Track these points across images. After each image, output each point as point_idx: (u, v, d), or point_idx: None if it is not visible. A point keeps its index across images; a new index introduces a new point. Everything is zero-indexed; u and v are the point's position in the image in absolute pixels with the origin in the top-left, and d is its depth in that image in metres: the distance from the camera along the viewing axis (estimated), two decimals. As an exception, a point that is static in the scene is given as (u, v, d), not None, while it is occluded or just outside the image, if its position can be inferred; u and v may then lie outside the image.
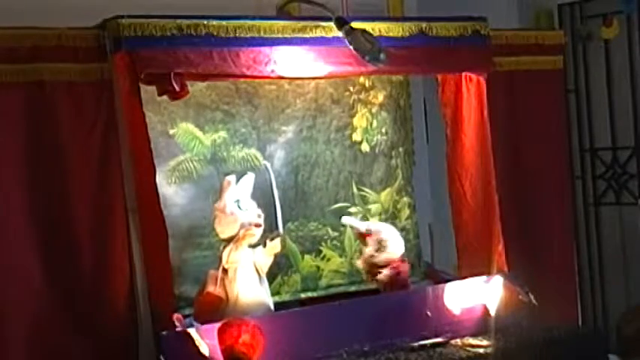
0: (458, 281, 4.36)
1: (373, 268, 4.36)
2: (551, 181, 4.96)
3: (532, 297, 4.32)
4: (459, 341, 4.15)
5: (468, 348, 4.08)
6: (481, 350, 4.07)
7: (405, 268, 4.38)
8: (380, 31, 4.17)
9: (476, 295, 4.31)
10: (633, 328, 3.42)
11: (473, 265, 4.50)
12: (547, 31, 5.30)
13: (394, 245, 4.36)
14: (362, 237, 4.42)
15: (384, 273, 4.32)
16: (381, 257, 4.33)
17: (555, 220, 4.97)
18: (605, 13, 5.50)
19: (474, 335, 4.21)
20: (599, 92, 5.66)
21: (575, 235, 5.52)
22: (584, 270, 5.71)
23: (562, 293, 4.89)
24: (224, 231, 4.04)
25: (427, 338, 4.10)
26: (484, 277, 4.37)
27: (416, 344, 4.05)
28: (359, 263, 4.46)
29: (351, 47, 3.97)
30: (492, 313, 4.26)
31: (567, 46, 5.46)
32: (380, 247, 4.34)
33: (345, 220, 4.51)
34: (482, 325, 4.25)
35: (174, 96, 3.79)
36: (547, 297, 4.39)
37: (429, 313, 4.19)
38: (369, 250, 4.36)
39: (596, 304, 5.74)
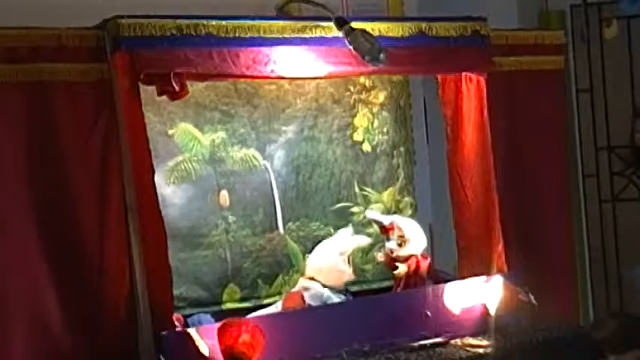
0: (458, 281, 4.36)
1: (392, 262, 4.38)
2: (552, 181, 4.95)
3: (532, 297, 4.32)
4: (458, 341, 4.15)
5: (468, 348, 4.08)
6: (481, 350, 4.07)
7: (425, 264, 4.38)
8: (380, 31, 4.16)
9: (476, 295, 4.31)
10: (602, 333, 3.53)
11: (473, 265, 4.50)
12: (549, 31, 5.27)
13: (415, 241, 4.36)
14: (385, 230, 4.42)
15: (401, 268, 4.33)
16: (402, 252, 4.34)
17: (555, 219, 4.96)
18: (614, 16, 5.48)
19: (474, 335, 4.21)
20: (617, 91, 5.62)
21: (587, 232, 5.50)
22: (595, 267, 5.68)
23: (562, 293, 4.89)
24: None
25: (427, 338, 4.10)
26: (484, 277, 4.37)
27: (416, 344, 4.05)
28: (380, 256, 4.48)
29: (351, 47, 3.97)
30: (492, 313, 4.26)
31: (579, 46, 5.45)
32: (401, 242, 4.35)
33: (368, 214, 4.55)
34: (482, 325, 4.25)
35: (174, 96, 3.80)
36: (547, 297, 4.38)
37: (428, 313, 4.19)
38: (390, 244, 4.37)
39: (611, 301, 5.70)
